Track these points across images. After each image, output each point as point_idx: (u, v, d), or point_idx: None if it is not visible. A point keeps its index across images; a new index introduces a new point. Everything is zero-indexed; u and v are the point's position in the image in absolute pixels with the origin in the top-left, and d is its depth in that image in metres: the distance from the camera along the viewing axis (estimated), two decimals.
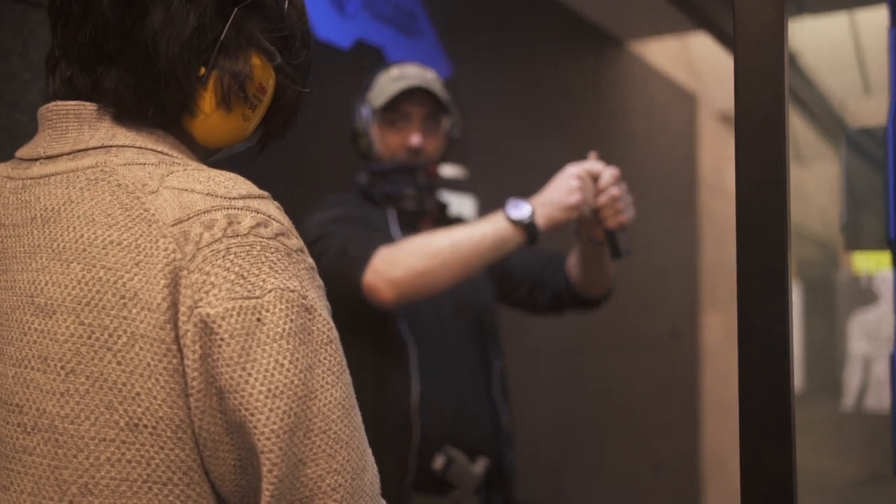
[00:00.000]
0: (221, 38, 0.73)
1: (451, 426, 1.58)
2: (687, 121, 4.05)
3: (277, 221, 0.69)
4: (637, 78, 3.53)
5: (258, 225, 0.67)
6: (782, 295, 0.79)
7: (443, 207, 1.76)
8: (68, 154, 0.72)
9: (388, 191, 1.65)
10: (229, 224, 0.66)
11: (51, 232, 0.69)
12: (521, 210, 1.47)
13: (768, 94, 0.81)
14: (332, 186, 1.92)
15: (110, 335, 0.65)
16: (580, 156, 3.13)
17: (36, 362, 0.68)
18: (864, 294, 6.35)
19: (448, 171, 2.30)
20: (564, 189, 1.51)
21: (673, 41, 3.90)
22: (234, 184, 0.70)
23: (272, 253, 0.67)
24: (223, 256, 0.65)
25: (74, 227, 0.68)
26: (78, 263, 0.67)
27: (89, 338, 0.66)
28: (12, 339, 0.70)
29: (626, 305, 3.39)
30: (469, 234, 1.46)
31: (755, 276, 0.79)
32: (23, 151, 0.77)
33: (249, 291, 0.65)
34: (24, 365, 0.68)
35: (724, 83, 4.32)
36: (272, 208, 0.70)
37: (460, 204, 2.24)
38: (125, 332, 0.65)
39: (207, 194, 0.68)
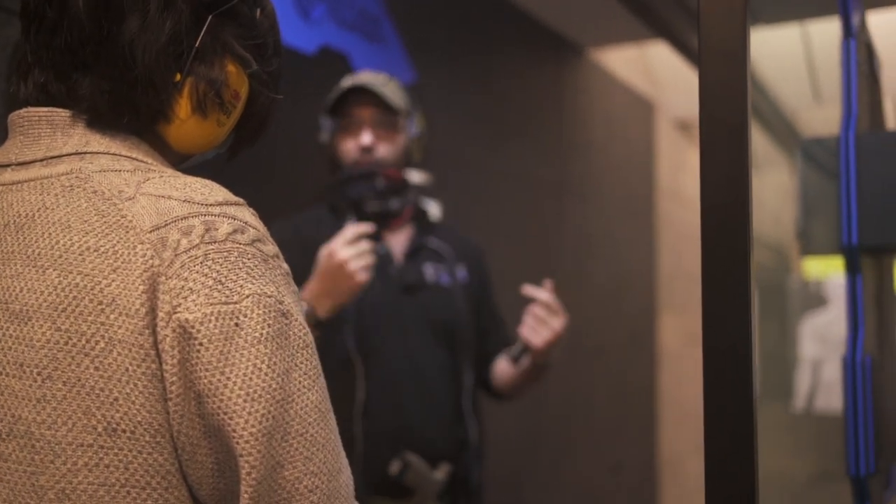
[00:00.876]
0: (197, 45, 0.74)
1: (409, 433, 1.59)
2: (645, 128, 4.11)
3: (254, 228, 0.70)
4: (596, 86, 3.58)
5: (235, 231, 0.68)
6: (745, 304, 0.81)
7: (421, 213, 1.77)
8: (41, 160, 0.72)
9: (349, 196, 1.65)
10: (207, 230, 0.67)
11: (25, 238, 0.69)
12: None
13: (732, 106, 0.84)
14: (297, 192, 1.92)
15: (87, 341, 0.66)
16: (541, 163, 3.17)
17: (11, 368, 0.68)
18: (815, 298, 6.50)
19: (415, 177, 2.31)
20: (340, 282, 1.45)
21: (631, 49, 3.96)
22: (210, 190, 0.71)
23: (249, 259, 0.68)
24: (201, 262, 0.66)
25: (50, 234, 0.68)
26: (54, 269, 0.67)
27: (66, 343, 0.66)
28: None
29: (588, 311, 3.43)
30: None
31: (719, 283, 0.82)
32: None
33: (227, 297, 0.66)
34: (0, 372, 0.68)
35: (680, 91, 4.39)
36: (248, 215, 0.71)
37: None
38: (103, 337, 0.66)
39: (184, 201, 0.69)
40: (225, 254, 0.67)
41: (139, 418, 0.66)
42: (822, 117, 5.04)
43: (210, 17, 0.75)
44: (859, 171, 1.59)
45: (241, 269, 0.67)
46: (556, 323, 1.57)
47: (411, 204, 1.74)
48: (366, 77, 1.69)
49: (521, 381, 1.75)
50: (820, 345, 6.39)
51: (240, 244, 0.68)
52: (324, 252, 1.45)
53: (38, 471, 0.67)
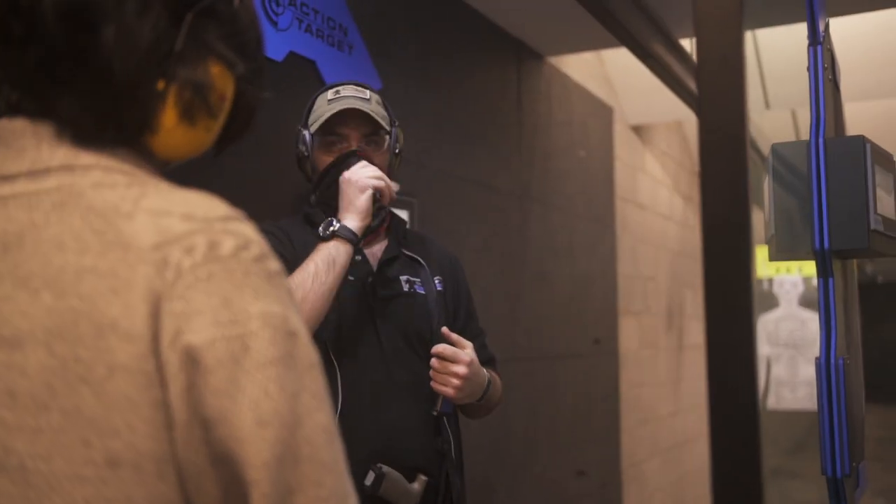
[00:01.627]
0: (177, 47, 0.69)
1: (385, 444, 1.57)
2: (604, 133, 4.15)
3: (256, 244, 0.66)
4: (557, 91, 3.60)
5: (239, 248, 0.65)
6: (747, 310, 0.82)
7: (396, 223, 1.75)
8: (26, 174, 0.67)
9: (327, 200, 1.63)
10: (210, 248, 0.64)
11: (13, 259, 0.64)
12: (330, 227, 1.55)
13: (729, 112, 0.84)
14: (265, 198, 1.89)
15: (86, 367, 0.61)
16: (504, 168, 3.17)
17: (2, 398, 0.63)
18: (765, 297, 6.64)
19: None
20: (357, 198, 1.57)
21: (589, 54, 3.99)
22: (210, 205, 0.67)
23: (254, 277, 0.64)
24: (206, 282, 0.62)
25: (41, 254, 0.64)
26: (48, 292, 0.62)
27: (62, 370, 0.62)
28: None
29: (552, 317, 3.44)
30: (307, 268, 1.50)
31: (720, 292, 0.82)
32: None
33: (234, 317, 0.62)
34: None
35: (637, 95, 4.45)
36: (249, 230, 0.67)
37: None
38: (103, 363, 0.61)
39: (185, 217, 0.65)
40: (230, 272, 0.63)
41: (143, 448, 0.62)
42: (771, 122, 5.16)
43: (189, 17, 0.70)
44: (828, 176, 1.61)
45: (246, 287, 0.64)
46: (459, 369, 1.56)
47: (387, 216, 1.73)
48: (350, 92, 1.66)
49: (474, 412, 1.75)
50: (770, 344, 6.52)
51: (244, 262, 0.64)
52: (350, 179, 1.56)
53: None
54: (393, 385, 1.62)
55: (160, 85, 0.69)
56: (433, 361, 1.57)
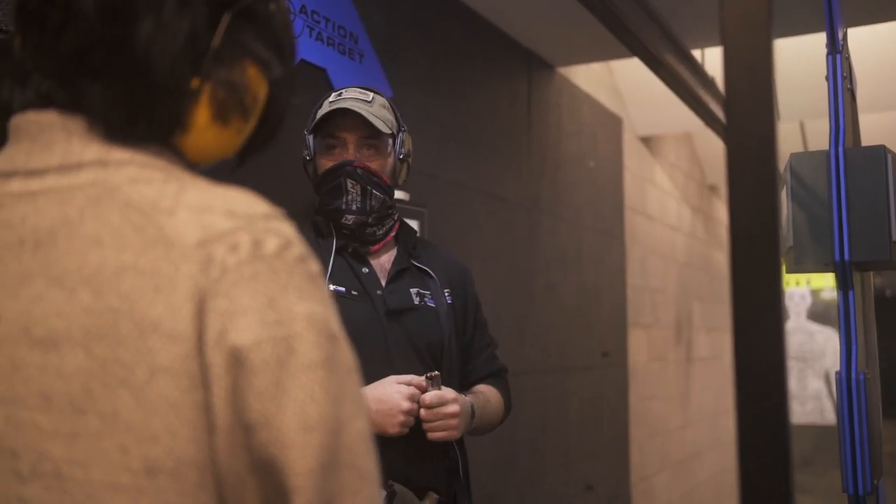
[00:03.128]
0: (214, 46, 0.67)
1: (397, 462, 1.54)
2: (613, 144, 4.13)
3: (298, 244, 0.64)
4: (567, 101, 3.58)
5: (283, 247, 0.63)
6: (777, 321, 0.79)
7: (405, 232, 1.72)
8: (56, 169, 0.65)
9: (327, 206, 1.60)
10: (254, 246, 0.61)
11: (46, 256, 0.62)
12: None
13: (759, 122, 0.82)
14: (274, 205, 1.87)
15: (127, 369, 0.59)
16: (513, 179, 3.15)
17: (35, 401, 0.60)
18: None
19: (398, 195, 2.27)
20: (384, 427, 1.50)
21: (598, 65, 3.98)
22: (252, 202, 0.65)
23: (298, 277, 0.62)
24: (250, 281, 0.60)
25: (77, 251, 0.61)
26: (85, 291, 0.60)
27: (101, 372, 0.59)
28: (1, 376, 0.62)
29: (560, 329, 3.41)
30: None
31: (750, 296, 0.80)
32: None
33: (280, 318, 0.60)
34: (18, 404, 0.61)
35: (646, 106, 4.43)
36: (290, 229, 0.65)
37: None
38: (145, 365, 0.59)
39: (228, 214, 0.63)
40: (274, 271, 0.61)
41: (183, 455, 0.59)
42: (781, 133, 5.13)
43: (228, 17, 0.68)
44: (848, 187, 1.59)
45: (291, 287, 0.62)
46: (450, 409, 1.53)
47: (395, 224, 1.70)
48: (351, 94, 1.63)
49: (473, 434, 1.71)
50: None
51: (288, 261, 0.62)
52: (391, 383, 1.50)
53: None
54: None
55: (195, 83, 0.67)
56: (423, 413, 1.52)
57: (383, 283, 1.63)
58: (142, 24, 0.65)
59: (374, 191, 1.61)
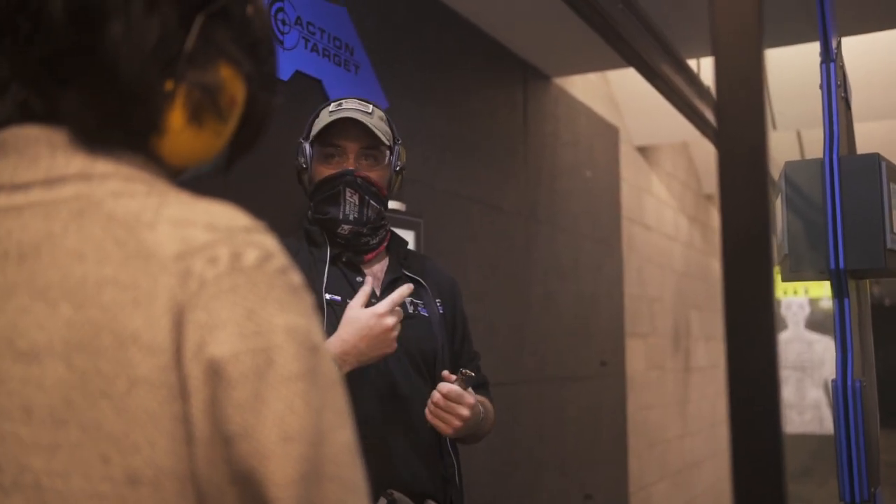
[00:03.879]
0: (188, 48, 0.67)
1: (395, 469, 1.54)
2: (610, 153, 4.13)
3: (279, 256, 0.65)
4: (563, 111, 3.59)
5: (263, 259, 0.63)
6: (769, 328, 0.79)
7: (397, 243, 1.72)
8: (42, 183, 0.65)
9: (323, 215, 1.60)
10: (234, 259, 0.62)
11: (30, 269, 0.62)
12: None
13: (750, 131, 0.82)
14: (268, 216, 1.86)
15: (107, 380, 0.59)
16: (510, 188, 3.15)
17: (17, 413, 0.60)
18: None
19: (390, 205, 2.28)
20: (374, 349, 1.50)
21: (594, 75, 3.99)
22: (233, 215, 0.65)
23: (278, 289, 0.62)
24: (229, 293, 0.60)
25: (60, 264, 0.61)
26: (67, 303, 0.60)
27: (82, 384, 0.59)
28: None
29: (558, 338, 3.41)
30: None
31: (742, 309, 0.80)
32: None
33: (259, 330, 0.60)
34: (2, 417, 0.61)
35: (642, 116, 4.44)
36: (271, 242, 0.65)
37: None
38: (124, 376, 0.59)
39: (208, 227, 0.63)
40: (254, 284, 0.61)
41: (163, 465, 0.59)
42: (777, 141, 5.15)
43: (200, 18, 0.68)
44: (842, 195, 1.59)
45: (271, 299, 0.62)
46: (463, 412, 1.52)
47: (387, 234, 1.71)
48: (352, 105, 1.64)
49: (461, 440, 1.70)
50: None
51: (268, 273, 0.62)
52: (365, 314, 1.47)
53: None
54: (402, 409, 1.59)
55: (168, 85, 0.67)
56: (438, 398, 1.53)
57: (378, 292, 1.63)
58: (110, 28, 0.65)
59: (371, 201, 1.62)
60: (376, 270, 1.68)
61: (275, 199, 1.88)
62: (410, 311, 1.65)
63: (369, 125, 1.60)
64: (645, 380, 4.46)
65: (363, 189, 1.60)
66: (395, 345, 1.48)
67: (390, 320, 1.47)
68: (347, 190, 1.60)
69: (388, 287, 1.64)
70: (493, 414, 1.75)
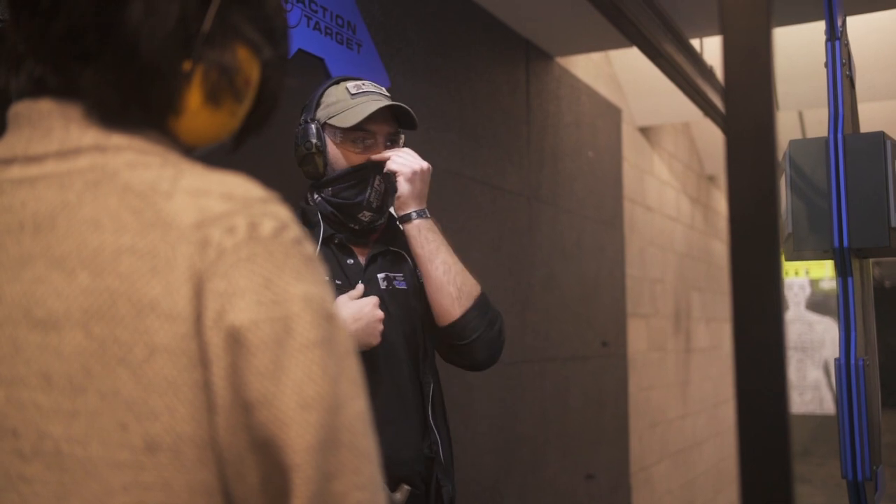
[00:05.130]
0: (206, 28, 0.68)
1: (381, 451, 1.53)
2: (612, 134, 4.12)
3: (293, 226, 0.66)
4: (565, 91, 3.58)
5: (278, 229, 0.64)
6: (776, 307, 0.79)
7: (390, 216, 1.72)
8: (55, 155, 0.66)
9: (345, 199, 1.61)
10: (251, 228, 0.62)
11: (46, 239, 0.63)
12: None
13: (757, 107, 0.82)
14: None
15: (125, 348, 0.60)
16: (512, 169, 3.14)
17: (36, 380, 0.61)
18: None
19: None
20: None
21: (597, 55, 3.97)
22: (249, 186, 0.66)
23: (294, 258, 0.63)
24: (247, 262, 0.61)
25: (76, 234, 0.62)
26: (84, 272, 0.61)
27: (100, 352, 0.60)
28: (2, 357, 0.63)
29: (560, 318, 3.42)
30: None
31: (749, 289, 0.79)
32: None
33: (277, 298, 0.61)
34: (19, 384, 0.62)
35: (645, 97, 4.42)
36: (286, 212, 0.66)
37: None
38: (143, 344, 0.60)
39: (225, 197, 0.64)
40: (271, 253, 0.62)
41: (182, 432, 0.60)
42: (780, 122, 5.12)
43: None
44: (847, 174, 1.58)
45: (287, 269, 0.63)
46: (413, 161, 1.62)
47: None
48: (374, 88, 1.65)
49: (426, 256, 1.63)
50: None
51: (284, 243, 0.63)
52: (360, 301, 1.52)
53: (67, 493, 0.60)
54: (383, 390, 1.57)
55: (186, 65, 0.68)
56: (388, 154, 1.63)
57: (363, 263, 1.64)
58: (132, 7, 0.66)
59: (391, 191, 1.64)
60: (365, 251, 1.68)
61: (278, 178, 1.87)
62: (384, 286, 1.63)
63: (405, 110, 1.62)
64: (646, 360, 4.46)
65: (388, 180, 1.63)
66: (379, 338, 1.52)
67: (380, 312, 1.52)
68: (377, 178, 1.61)
69: (371, 260, 1.65)
70: (473, 286, 1.68)
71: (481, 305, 1.67)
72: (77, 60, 0.67)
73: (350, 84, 1.65)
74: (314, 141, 1.61)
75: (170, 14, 0.66)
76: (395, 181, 1.62)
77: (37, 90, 0.69)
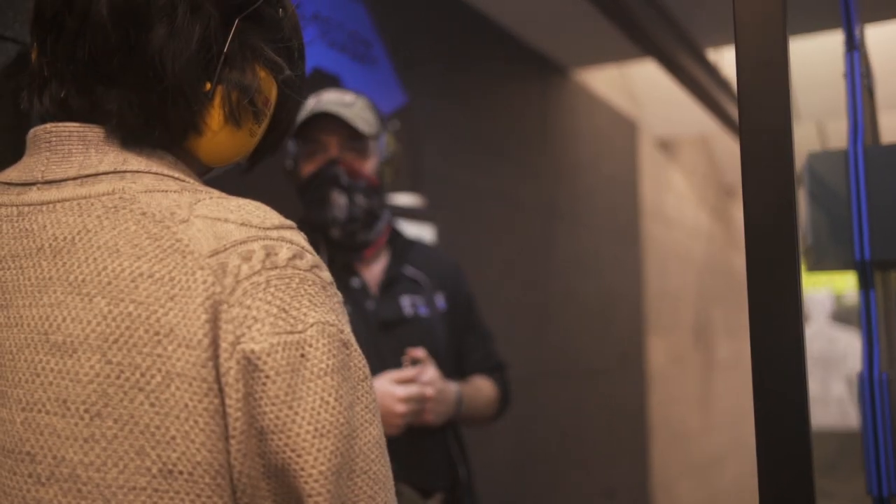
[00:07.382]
0: (225, 50, 0.69)
1: (402, 464, 1.52)
2: (629, 148, 4.11)
3: (310, 253, 0.66)
4: (582, 106, 3.57)
5: (295, 257, 0.64)
6: (796, 318, 0.78)
7: (396, 237, 1.66)
8: (74, 179, 0.67)
9: (312, 205, 1.54)
10: (267, 256, 0.63)
11: (65, 264, 0.63)
12: None
13: (773, 119, 0.81)
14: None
15: (142, 374, 0.60)
16: (529, 183, 3.14)
17: (53, 406, 0.62)
18: None
19: (405, 199, 2.27)
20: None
21: (612, 69, 3.96)
22: (265, 213, 0.67)
23: (310, 286, 0.64)
24: (264, 289, 0.62)
25: (95, 259, 0.63)
26: (102, 297, 0.62)
27: (118, 377, 0.61)
28: (20, 381, 0.63)
29: (577, 334, 3.40)
30: None
31: (767, 301, 0.78)
32: (9, 175, 0.70)
33: (292, 326, 0.62)
34: (37, 409, 0.62)
35: (661, 110, 4.40)
36: (303, 239, 0.67)
37: (419, 233, 2.21)
38: (159, 370, 0.60)
39: (242, 224, 0.64)
40: (287, 280, 0.63)
41: (199, 458, 0.60)
42: (798, 134, 5.09)
43: (238, 21, 0.70)
44: (868, 185, 1.57)
45: (303, 296, 0.63)
46: (428, 391, 1.47)
47: (385, 229, 1.64)
48: (330, 98, 1.58)
49: (466, 424, 1.69)
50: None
51: (300, 270, 0.64)
52: (381, 388, 1.45)
53: None
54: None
55: (207, 86, 0.69)
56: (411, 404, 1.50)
57: (376, 293, 1.59)
58: (155, 30, 0.67)
59: (360, 196, 1.55)
60: (375, 271, 1.62)
61: (284, 199, 1.88)
62: (409, 312, 1.59)
63: (345, 117, 1.53)
64: (666, 374, 4.43)
65: (349, 188, 1.54)
66: (396, 431, 1.43)
67: (401, 407, 1.43)
68: (334, 192, 1.53)
69: (385, 288, 1.60)
70: (491, 392, 1.69)
71: (501, 400, 1.76)
72: (101, 83, 0.68)
73: (313, 98, 1.60)
74: (288, 161, 1.59)
75: (192, 36, 0.67)
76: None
77: (60, 113, 0.69)
